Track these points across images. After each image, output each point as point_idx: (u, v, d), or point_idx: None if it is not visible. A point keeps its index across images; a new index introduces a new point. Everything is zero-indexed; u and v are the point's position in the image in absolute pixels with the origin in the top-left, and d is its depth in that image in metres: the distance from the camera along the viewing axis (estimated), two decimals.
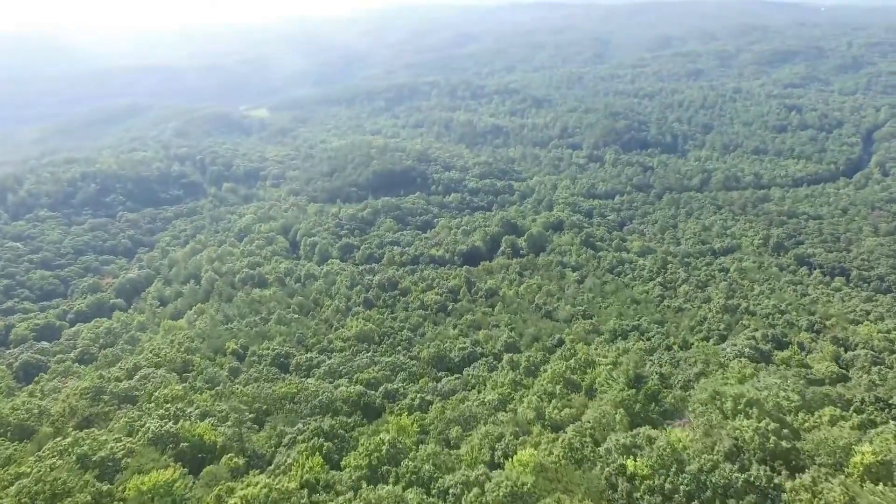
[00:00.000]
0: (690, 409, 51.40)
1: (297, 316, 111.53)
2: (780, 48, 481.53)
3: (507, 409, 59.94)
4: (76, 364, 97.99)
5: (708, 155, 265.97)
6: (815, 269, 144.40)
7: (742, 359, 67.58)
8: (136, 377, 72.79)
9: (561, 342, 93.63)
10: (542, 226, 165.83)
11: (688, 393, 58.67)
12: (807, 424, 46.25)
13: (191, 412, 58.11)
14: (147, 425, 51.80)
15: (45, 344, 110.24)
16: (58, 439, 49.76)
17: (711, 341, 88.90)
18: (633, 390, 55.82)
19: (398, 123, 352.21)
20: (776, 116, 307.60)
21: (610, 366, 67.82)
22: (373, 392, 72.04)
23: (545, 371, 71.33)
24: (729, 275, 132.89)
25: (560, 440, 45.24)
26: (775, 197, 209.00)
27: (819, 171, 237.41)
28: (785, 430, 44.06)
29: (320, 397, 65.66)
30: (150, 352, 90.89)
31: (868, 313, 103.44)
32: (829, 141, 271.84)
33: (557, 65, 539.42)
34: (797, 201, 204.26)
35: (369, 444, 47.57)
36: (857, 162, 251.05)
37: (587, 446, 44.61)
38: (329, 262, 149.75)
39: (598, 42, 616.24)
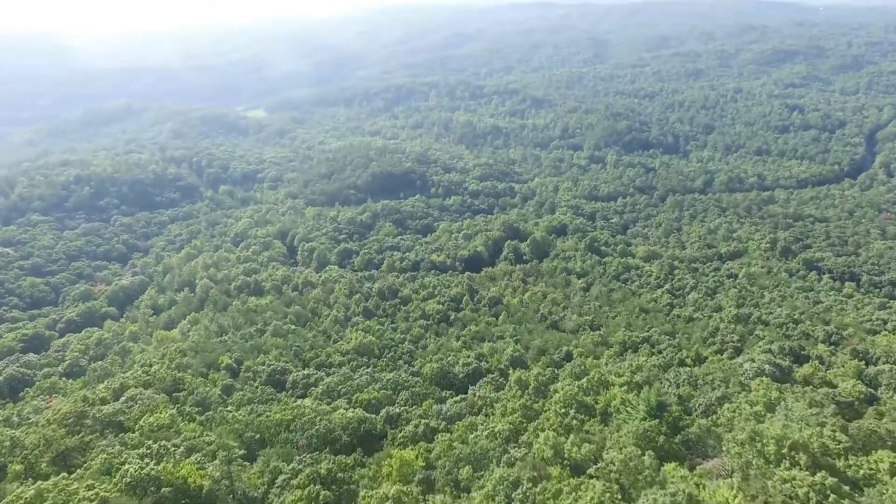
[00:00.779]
0: (725, 448, 47.49)
1: (294, 327, 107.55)
2: (780, 48, 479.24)
3: (520, 441, 55.95)
4: (63, 378, 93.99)
5: (710, 156, 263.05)
6: (824, 273, 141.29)
7: (763, 378, 64.07)
8: (123, 398, 68.84)
9: (569, 356, 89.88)
10: (544, 230, 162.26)
11: (710, 419, 54.95)
12: (862, 472, 42.36)
13: (175, 448, 53.59)
14: (126, 467, 47.40)
15: (32, 357, 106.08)
16: (20, 490, 44.98)
17: (726, 354, 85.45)
18: (655, 420, 51.99)
19: (397, 124, 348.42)
20: (778, 116, 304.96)
21: (624, 387, 64.11)
22: (373, 416, 67.96)
23: (556, 392, 67.60)
24: (738, 281, 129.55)
25: (587, 493, 40.96)
26: (780, 199, 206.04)
27: (823, 172, 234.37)
28: (846, 487, 40.01)
29: (318, 426, 61.58)
30: (140, 366, 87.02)
31: (885, 322, 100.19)
32: (832, 141, 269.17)
33: (556, 65, 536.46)
34: (802, 203, 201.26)
35: (371, 499, 43.26)
36: (861, 162, 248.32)
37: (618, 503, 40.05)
38: (327, 268, 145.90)
39: (596, 42, 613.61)
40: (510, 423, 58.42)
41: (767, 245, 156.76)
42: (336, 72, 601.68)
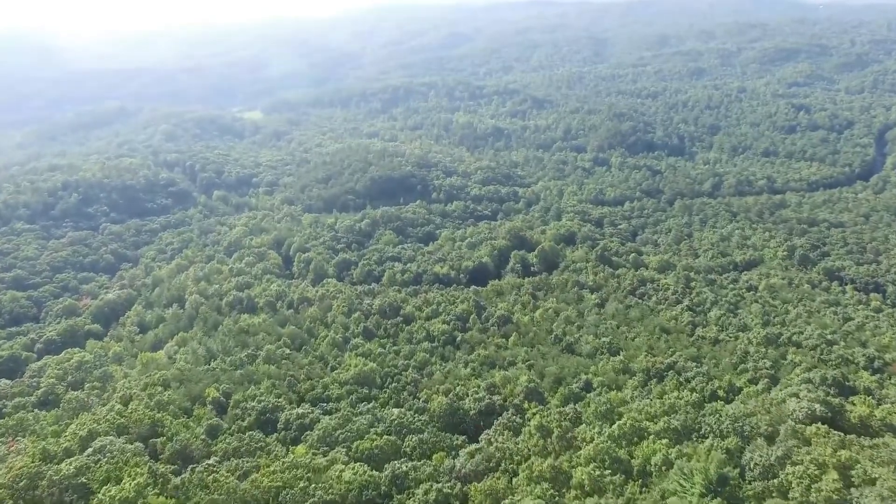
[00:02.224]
0: None
1: (288, 351, 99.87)
2: (782, 46, 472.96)
3: None
4: (36, 410, 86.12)
5: (717, 157, 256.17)
6: (846, 283, 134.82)
7: (819, 425, 56.76)
8: (90, 450, 61.33)
9: (588, 385, 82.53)
10: (552, 239, 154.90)
11: (772, 484, 47.66)
12: None
13: None
14: None
15: (4, 383, 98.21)
16: None
17: (761, 384, 78.29)
18: (716, 498, 44.38)
19: (396, 126, 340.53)
20: (784, 117, 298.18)
21: (664, 438, 56.70)
22: (377, 474, 60.19)
23: (584, 442, 60.22)
24: (759, 294, 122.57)
25: None
26: (792, 202, 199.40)
27: (833, 174, 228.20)
28: None
29: (312, 498, 53.81)
30: (119, 399, 79.43)
31: None
32: (841, 142, 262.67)
33: (556, 64, 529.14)
34: (815, 207, 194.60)
35: None
36: (872, 164, 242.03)
37: None
38: (325, 281, 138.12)
39: (595, 40, 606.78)
40: (540, 497, 50.65)
41: (785, 253, 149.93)
42: (333, 72, 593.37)
